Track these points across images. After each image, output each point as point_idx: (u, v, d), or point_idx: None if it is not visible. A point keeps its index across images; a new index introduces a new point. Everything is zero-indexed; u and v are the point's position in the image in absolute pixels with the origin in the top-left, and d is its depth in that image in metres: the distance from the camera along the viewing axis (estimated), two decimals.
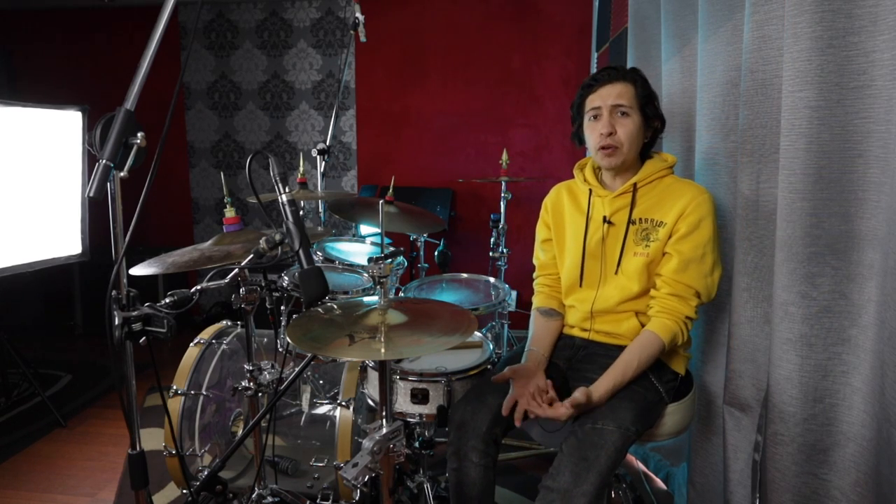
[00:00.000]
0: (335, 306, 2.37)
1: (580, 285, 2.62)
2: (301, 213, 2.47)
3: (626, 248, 2.49)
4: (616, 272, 2.51)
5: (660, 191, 2.48)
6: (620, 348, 2.47)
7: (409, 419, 2.72)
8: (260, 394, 2.63)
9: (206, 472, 2.53)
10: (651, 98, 2.49)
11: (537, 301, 2.79)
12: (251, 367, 2.60)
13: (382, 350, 1.98)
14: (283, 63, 6.65)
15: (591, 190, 2.60)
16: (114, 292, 1.72)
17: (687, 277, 2.38)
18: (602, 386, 2.32)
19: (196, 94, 6.87)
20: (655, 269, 2.45)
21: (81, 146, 4.83)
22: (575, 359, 2.64)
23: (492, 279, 3.80)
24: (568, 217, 2.69)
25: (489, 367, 2.80)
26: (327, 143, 3.89)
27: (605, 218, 2.52)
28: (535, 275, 2.88)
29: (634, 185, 2.48)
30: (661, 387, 2.44)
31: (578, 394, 2.25)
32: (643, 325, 2.48)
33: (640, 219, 2.47)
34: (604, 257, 2.55)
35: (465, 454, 2.40)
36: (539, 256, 2.84)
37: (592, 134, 2.50)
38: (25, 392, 4.96)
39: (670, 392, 2.49)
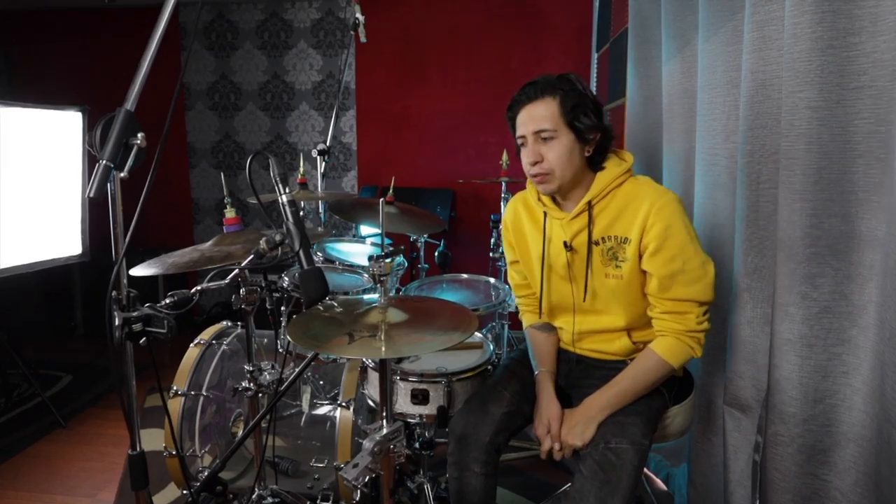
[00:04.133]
0: (335, 304, 2.37)
1: (552, 310, 2.60)
2: (301, 213, 2.47)
3: (595, 271, 2.36)
4: (584, 299, 2.42)
5: (618, 202, 2.30)
6: (616, 363, 2.45)
7: (409, 420, 2.73)
8: (260, 394, 2.63)
9: (206, 473, 2.54)
10: (581, 109, 2.24)
11: (528, 319, 2.73)
12: (251, 368, 2.60)
13: (383, 348, 1.98)
14: (283, 63, 6.65)
15: (545, 213, 2.46)
16: (114, 293, 1.72)
17: (674, 293, 2.25)
18: (595, 408, 2.31)
19: (196, 94, 6.87)
20: (637, 287, 2.34)
21: (82, 147, 4.84)
22: (572, 375, 2.60)
23: (492, 280, 3.80)
24: (529, 238, 2.58)
25: (489, 367, 2.80)
26: (327, 144, 3.90)
27: (565, 244, 2.38)
28: (515, 294, 2.81)
29: (589, 203, 2.31)
30: (664, 389, 2.42)
31: (572, 439, 2.28)
32: (634, 344, 2.44)
33: (604, 238, 2.32)
34: (575, 282, 2.44)
35: (466, 465, 2.39)
36: (513, 277, 2.75)
37: (523, 162, 2.36)
38: (25, 392, 4.97)
39: (671, 394, 2.48)
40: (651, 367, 2.31)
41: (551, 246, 2.46)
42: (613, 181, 2.30)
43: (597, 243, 2.33)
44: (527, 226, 2.57)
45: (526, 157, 2.32)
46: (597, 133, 2.29)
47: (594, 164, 2.34)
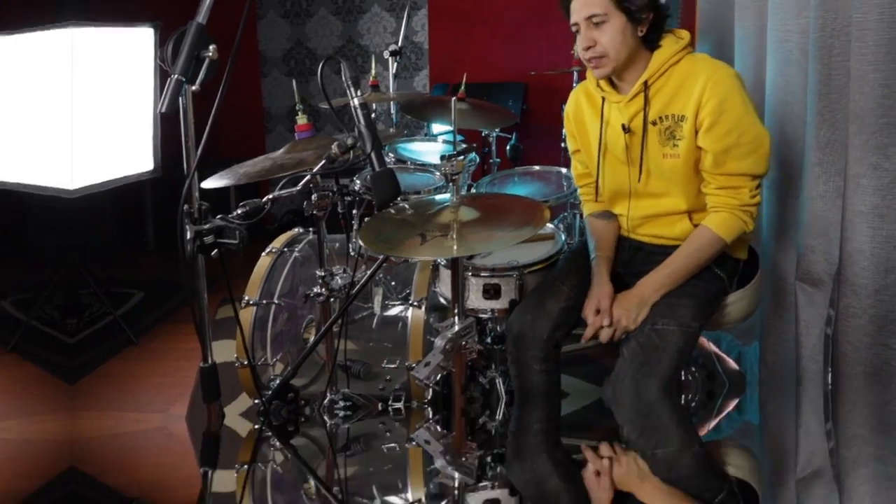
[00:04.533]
0: (407, 206, 2.44)
1: (611, 197, 2.61)
2: (373, 115, 2.51)
3: (653, 152, 2.38)
4: (638, 180, 2.43)
5: (675, 80, 2.31)
6: (676, 248, 2.44)
7: (481, 315, 2.78)
8: (332, 299, 2.70)
9: (277, 381, 2.65)
10: None
11: (588, 208, 2.74)
12: (323, 273, 2.66)
13: (455, 247, 2.07)
14: None
15: (603, 98, 2.47)
16: (186, 206, 1.82)
17: (729, 167, 2.26)
18: (650, 288, 2.36)
19: (268, 2, 6.93)
20: (693, 166, 2.34)
21: (153, 63, 4.91)
22: (633, 262, 2.60)
23: (563, 170, 3.80)
24: (590, 126, 2.57)
25: (561, 258, 2.84)
26: (399, 45, 3.94)
27: (623, 126, 2.39)
28: (576, 184, 2.84)
29: (645, 83, 2.32)
30: (724, 274, 2.45)
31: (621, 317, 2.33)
32: (696, 226, 2.42)
33: (661, 117, 2.33)
34: (633, 165, 2.44)
35: (525, 363, 2.46)
36: (577, 168, 2.78)
37: (578, 48, 2.37)
38: (97, 312, 5.03)
39: (734, 279, 2.51)
40: (704, 244, 2.35)
41: (610, 130, 2.47)
42: (669, 59, 2.31)
43: (654, 123, 2.35)
44: (587, 114, 2.58)
45: (580, 44, 2.33)
46: (649, 12, 2.27)
47: (650, 42, 2.33)
